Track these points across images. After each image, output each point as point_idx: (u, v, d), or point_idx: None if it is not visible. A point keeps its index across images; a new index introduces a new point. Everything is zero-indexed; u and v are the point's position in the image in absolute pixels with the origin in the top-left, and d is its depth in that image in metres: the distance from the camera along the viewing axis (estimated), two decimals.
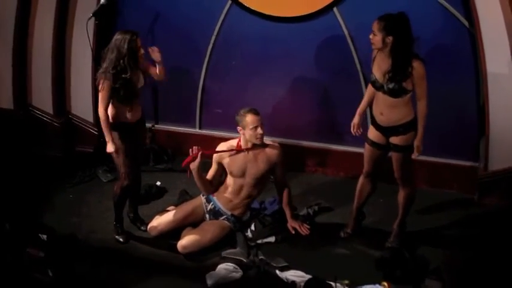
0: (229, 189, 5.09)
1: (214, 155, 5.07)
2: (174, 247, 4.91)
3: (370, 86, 4.80)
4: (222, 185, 5.15)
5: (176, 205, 5.33)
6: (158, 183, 5.80)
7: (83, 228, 5.22)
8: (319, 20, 5.61)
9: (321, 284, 4.45)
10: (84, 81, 6.04)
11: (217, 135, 6.01)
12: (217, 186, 5.16)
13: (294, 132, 5.99)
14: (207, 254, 4.89)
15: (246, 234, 5.10)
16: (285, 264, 4.71)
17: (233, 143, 5.07)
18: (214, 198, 5.13)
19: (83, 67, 5.98)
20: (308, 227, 5.14)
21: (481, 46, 5.15)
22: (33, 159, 6.02)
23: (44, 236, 4.66)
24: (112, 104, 4.79)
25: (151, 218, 5.17)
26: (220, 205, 5.10)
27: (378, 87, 4.62)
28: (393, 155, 4.76)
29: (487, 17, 5.07)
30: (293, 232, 5.11)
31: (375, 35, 4.49)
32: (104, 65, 4.71)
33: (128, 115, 4.85)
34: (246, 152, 5.01)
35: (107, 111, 4.77)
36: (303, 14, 5.60)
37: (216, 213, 5.11)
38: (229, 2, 5.73)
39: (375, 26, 4.48)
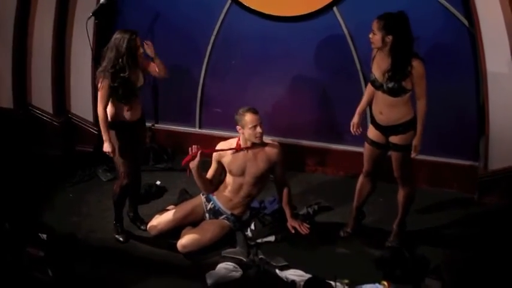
0: (229, 188, 5.09)
1: (214, 154, 5.07)
2: (174, 246, 4.91)
3: (369, 85, 4.80)
4: (221, 184, 5.16)
5: (176, 204, 5.33)
6: (158, 182, 5.80)
7: (83, 228, 5.22)
8: (319, 19, 5.61)
9: (320, 283, 4.45)
10: (84, 81, 6.04)
11: (217, 134, 6.00)
12: (217, 186, 5.16)
13: (293, 131, 5.99)
14: (206, 253, 4.89)
15: (246, 233, 5.10)
16: (285, 263, 4.71)
17: (233, 142, 5.06)
18: (214, 197, 5.13)
19: (83, 66, 5.98)
20: (308, 226, 5.13)
21: (481, 45, 5.15)
22: (32, 159, 6.02)
23: (44, 236, 4.67)
24: (111, 102, 4.79)
25: (151, 218, 5.16)
26: (220, 204, 5.10)
27: (378, 86, 4.62)
28: (393, 154, 4.76)
29: (487, 17, 5.07)
30: (293, 231, 5.10)
31: (374, 34, 4.49)
32: (103, 64, 4.72)
33: (127, 114, 4.85)
34: (246, 151, 5.01)
35: (105, 110, 4.77)
36: (302, 13, 5.60)
37: (215, 213, 5.11)
38: (229, 1, 5.72)
39: (375, 25, 4.48)
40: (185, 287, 4.66)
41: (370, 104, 4.85)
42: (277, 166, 5.07)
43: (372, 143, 4.80)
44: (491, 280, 4.32)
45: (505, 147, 5.33)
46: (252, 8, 5.68)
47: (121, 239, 5.08)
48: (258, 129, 4.90)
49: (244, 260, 4.77)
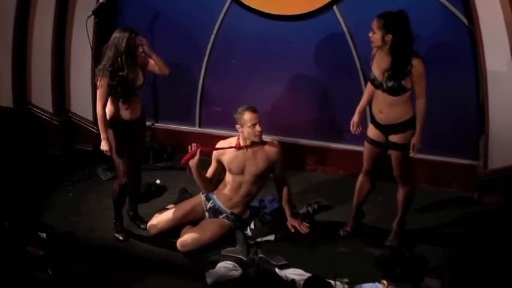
0: (229, 186, 5.09)
1: (214, 153, 5.07)
2: (173, 245, 4.91)
3: (369, 84, 4.80)
4: (221, 183, 5.16)
5: (176, 203, 5.33)
6: (158, 181, 5.80)
7: (83, 227, 5.22)
8: (319, 18, 5.61)
9: (320, 282, 4.45)
10: (83, 80, 6.04)
11: (217, 133, 6.00)
12: (217, 185, 5.16)
13: (293, 130, 5.99)
14: (206, 252, 4.89)
15: (246, 232, 5.10)
16: (285, 262, 4.71)
17: (232, 140, 5.06)
18: (214, 196, 5.13)
19: (83, 65, 5.98)
20: (307, 225, 5.13)
21: (480, 44, 5.15)
22: (32, 158, 6.02)
23: (44, 235, 4.66)
24: (110, 101, 4.79)
25: (150, 216, 5.16)
26: (219, 203, 5.11)
27: (377, 85, 4.62)
28: (392, 153, 4.76)
29: (487, 16, 5.07)
30: (292, 230, 5.10)
31: (374, 33, 4.49)
32: (102, 62, 4.72)
33: (126, 113, 4.85)
34: (245, 150, 5.01)
35: (104, 109, 4.77)
36: (302, 12, 5.60)
37: (215, 212, 5.11)
38: (229, 0, 5.72)
39: (375, 24, 4.48)
40: (185, 286, 4.66)
41: (369, 103, 4.85)
42: (276, 165, 5.07)
43: (372, 142, 4.80)
44: (491, 279, 4.32)
45: (504, 146, 5.33)
46: (252, 7, 5.67)
47: (121, 238, 5.08)
48: (257, 128, 4.90)
49: (244, 259, 4.77)
